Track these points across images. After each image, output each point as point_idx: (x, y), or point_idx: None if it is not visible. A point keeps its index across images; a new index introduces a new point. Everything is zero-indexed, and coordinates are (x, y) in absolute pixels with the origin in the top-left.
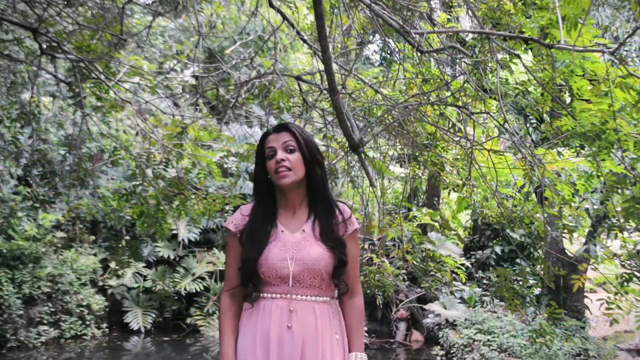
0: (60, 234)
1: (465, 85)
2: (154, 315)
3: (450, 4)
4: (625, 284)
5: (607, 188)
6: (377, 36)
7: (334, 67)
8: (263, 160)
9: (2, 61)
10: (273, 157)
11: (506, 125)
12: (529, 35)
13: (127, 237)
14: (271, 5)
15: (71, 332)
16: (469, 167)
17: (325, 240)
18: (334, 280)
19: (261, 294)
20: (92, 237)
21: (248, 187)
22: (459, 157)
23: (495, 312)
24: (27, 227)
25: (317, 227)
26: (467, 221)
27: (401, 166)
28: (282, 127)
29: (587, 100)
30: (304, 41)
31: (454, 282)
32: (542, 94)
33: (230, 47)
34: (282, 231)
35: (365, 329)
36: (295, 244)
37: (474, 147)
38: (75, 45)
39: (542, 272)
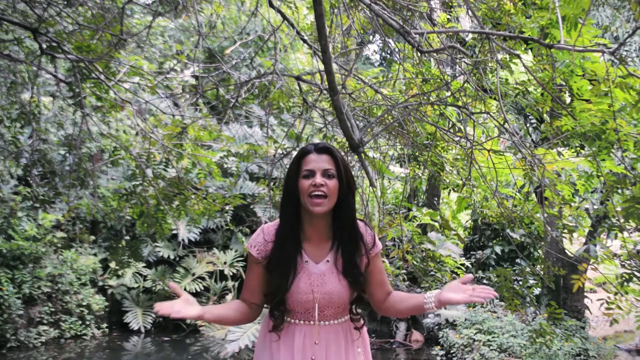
0: (60, 234)
1: (465, 85)
2: (154, 315)
3: (450, 4)
4: (625, 284)
5: (607, 188)
6: (377, 36)
7: (334, 67)
8: (296, 177)
9: (2, 61)
10: (309, 178)
11: (506, 125)
12: (529, 35)
13: (127, 237)
14: (271, 5)
15: (71, 332)
16: (469, 167)
17: (346, 274)
18: (350, 312)
19: (287, 319)
20: (92, 237)
21: (248, 187)
22: (459, 157)
23: (495, 312)
24: (27, 227)
25: (339, 259)
26: (467, 221)
27: (401, 166)
28: (325, 150)
29: (587, 100)
30: (304, 41)
31: None
32: (542, 94)
33: (230, 47)
34: (307, 261)
35: (366, 328)
36: (319, 276)
37: (474, 147)
38: (75, 45)
39: (542, 272)
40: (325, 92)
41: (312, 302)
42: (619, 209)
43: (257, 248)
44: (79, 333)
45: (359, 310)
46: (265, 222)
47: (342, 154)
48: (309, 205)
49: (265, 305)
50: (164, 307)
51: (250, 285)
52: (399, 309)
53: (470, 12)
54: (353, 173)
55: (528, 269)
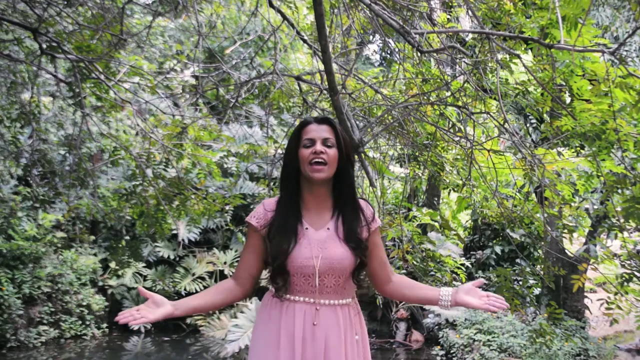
0: (60, 234)
1: (465, 85)
2: None
3: (450, 4)
4: (625, 284)
5: (607, 188)
6: (377, 36)
7: (334, 67)
8: (297, 148)
9: (2, 61)
10: (310, 147)
11: (506, 125)
12: (529, 35)
13: (127, 237)
14: (271, 5)
15: (71, 332)
16: (469, 167)
17: (348, 241)
18: (354, 280)
19: (286, 296)
20: (92, 237)
21: (248, 187)
22: (459, 157)
23: (495, 312)
24: (27, 227)
25: (340, 226)
26: (467, 221)
27: (401, 166)
28: (324, 120)
29: (587, 100)
30: (304, 41)
31: (454, 282)
32: (542, 94)
33: (230, 47)
34: (307, 228)
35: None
36: (320, 242)
37: (474, 147)
38: (75, 45)
39: (542, 272)
40: (325, 92)
41: (313, 267)
42: (619, 209)
43: (256, 218)
44: (79, 333)
45: (361, 277)
46: None
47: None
48: (309, 172)
49: (255, 297)
50: (124, 315)
51: (247, 258)
52: (407, 294)
53: (470, 12)
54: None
55: (528, 269)
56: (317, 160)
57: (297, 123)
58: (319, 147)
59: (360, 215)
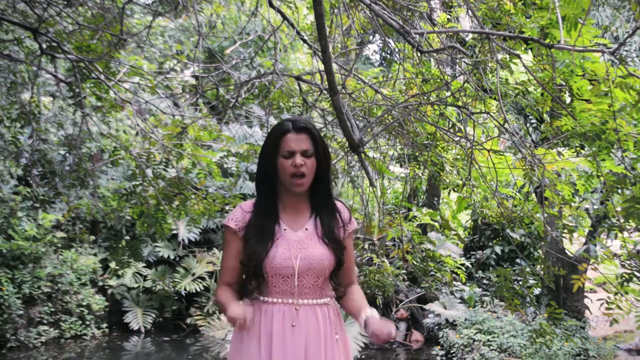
0: (60, 234)
1: (465, 85)
2: (154, 315)
3: (450, 4)
4: (625, 284)
5: (607, 188)
6: (377, 36)
7: (334, 67)
8: (275, 155)
9: (2, 61)
10: (289, 158)
11: (506, 125)
12: (529, 35)
13: (127, 237)
14: (271, 5)
15: (71, 332)
16: (469, 167)
17: (326, 241)
18: (331, 281)
19: (264, 298)
20: (92, 237)
21: (248, 187)
22: (459, 157)
23: (495, 312)
24: (27, 227)
25: (319, 227)
26: (467, 221)
27: (401, 166)
28: (303, 129)
29: (587, 100)
30: (304, 41)
31: (454, 282)
32: (542, 94)
33: (230, 47)
34: (285, 229)
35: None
36: (298, 242)
37: (474, 147)
38: (75, 45)
39: (542, 272)
40: (325, 92)
41: (292, 268)
42: (619, 209)
43: (234, 220)
44: (79, 333)
45: (339, 280)
46: None
47: (319, 131)
48: (289, 184)
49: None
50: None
51: (230, 265)
52: (345, 305)
53: (470, 12)
54: (353, 173)
55: (528, 269)
56: (297, 173)
57: None
58: (298, 160)
59: (337, 216)
